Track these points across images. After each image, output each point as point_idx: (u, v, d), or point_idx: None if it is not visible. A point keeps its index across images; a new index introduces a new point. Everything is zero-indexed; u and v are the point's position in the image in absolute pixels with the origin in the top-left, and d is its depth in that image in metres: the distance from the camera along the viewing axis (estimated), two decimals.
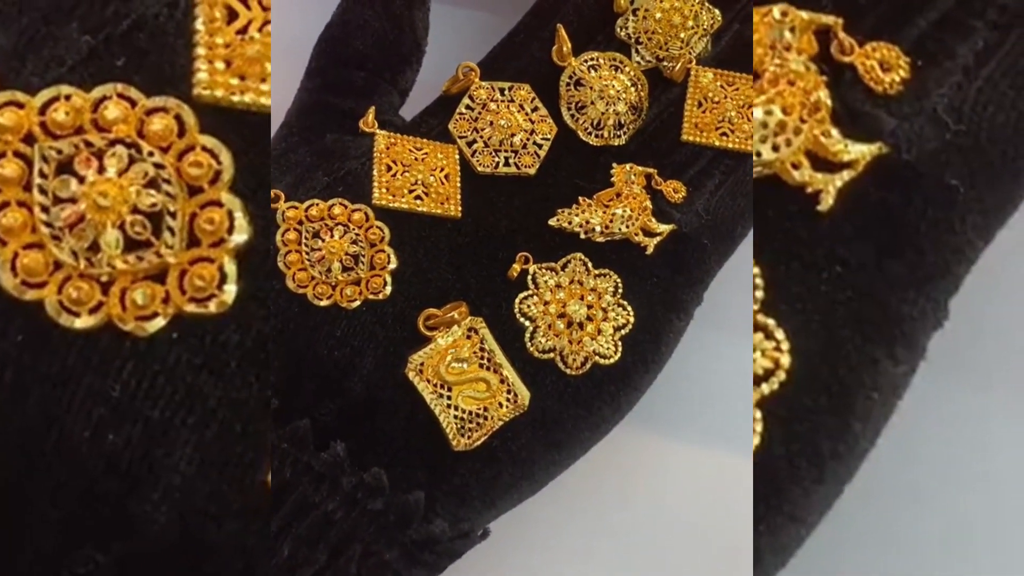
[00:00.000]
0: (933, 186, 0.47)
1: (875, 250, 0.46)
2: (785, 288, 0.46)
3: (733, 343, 0.60)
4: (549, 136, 0.54)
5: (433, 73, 0.56)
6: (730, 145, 0.54)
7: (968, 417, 0.59)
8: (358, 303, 0.49)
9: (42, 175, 0.37)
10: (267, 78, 0.39)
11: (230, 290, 0.37)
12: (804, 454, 0.45)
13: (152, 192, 0.37)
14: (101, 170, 0.37)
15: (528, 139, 0.53)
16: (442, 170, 0.52)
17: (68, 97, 0.38)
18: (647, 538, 0.60)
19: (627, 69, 0.55)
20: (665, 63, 0.55)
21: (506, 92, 0.54)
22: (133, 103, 0.38)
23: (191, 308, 0.37)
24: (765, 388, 0.44)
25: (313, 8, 0.57)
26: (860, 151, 0.46)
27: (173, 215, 0.37)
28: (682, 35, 0.55)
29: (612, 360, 0.51)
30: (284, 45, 0.54)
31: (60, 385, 0.37)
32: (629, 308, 0.51)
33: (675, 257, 0.53)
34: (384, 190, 0.50)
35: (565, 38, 0.54)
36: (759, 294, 0.45)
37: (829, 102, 0.47)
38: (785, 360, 0.44)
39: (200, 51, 0.39)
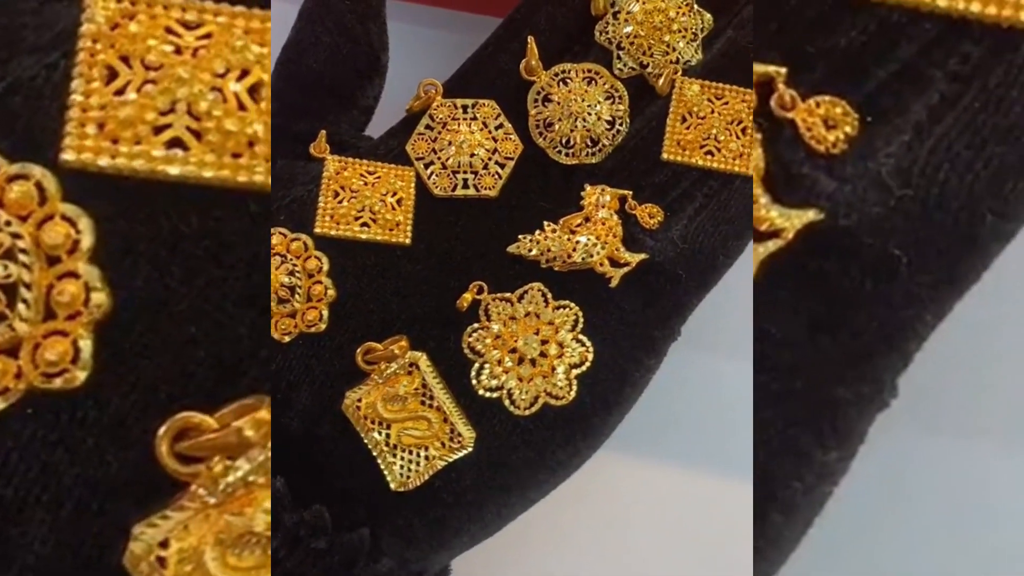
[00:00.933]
0: (874, 256, 0.43)
1: (806, 326, 0.43)
2: None
3: (731, 364, 0.58)
4: (513, 155, 0.51)
5: (408, 95, 0.54)
6: (715, 165, 0.51)
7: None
8: (292, 336, 0.48)
9: None
10: (143, 140, 0.38)
11: (84, 366, 0.37)
12: None
13: (7, 263, 0.37)
14: None
15: (489, 159, 0.51)
16: (394, 194, 0.50)
17: None
18: (644, 563, 0.60)
19: (602, 81, 0.51)
20: (650, 70, 0.51)
21: (469, 109, 0.52)
22: None
23: (42, 384, 0.37)
24: None
25: None
26: (790, 218, 0.43)
27: (28, 287, 0.37)
28: (667, 38, 0.51)
29: (565, 401, 0.48)
30: None
31: None
32: (588, 344, 0.49)
33: (646, 289, 0.49)
34: (328, 218, 0.49)
35: (533, 50, 0.51)
36: None
37: (762, 163, 0.43)
38: None
39: (72, 113, 0.38)
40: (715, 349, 0.59)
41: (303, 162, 0.51)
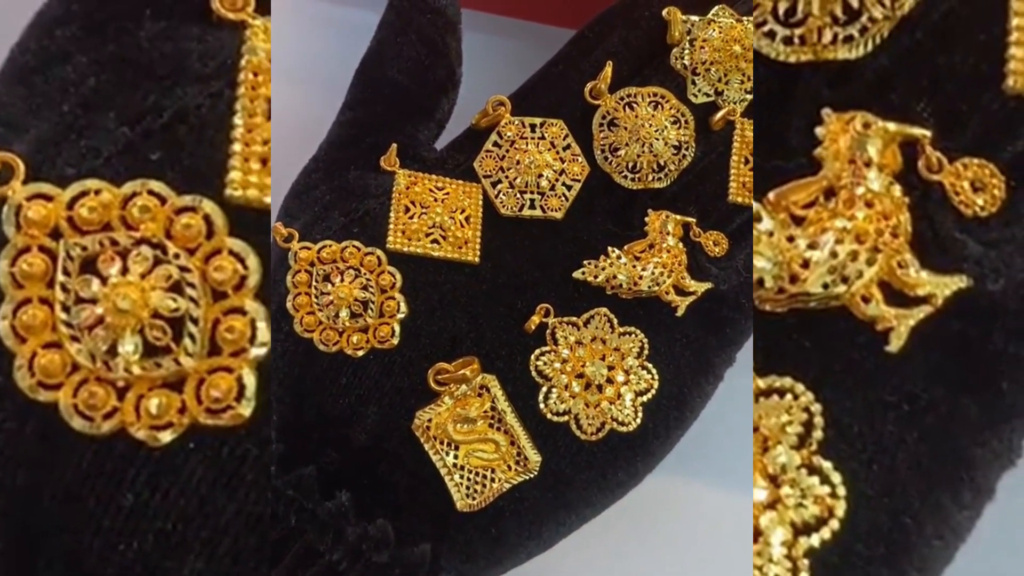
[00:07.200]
0: (1018, 320, 0.48)
1: (949, 389, 0.48)
2: (847, 428, 0.47)
3: (733, 379, 0.61)
4: (580, 177, 0.56)
5: (470, 103, 0.58)
6: None
7: None
8: (364, 351, 0.53)
9: (65, 272, 0.40)
10: None
11: (248, 403, 0.41)
12: None
13: (175, 296, 0.40)
14: (124, 271, 0.40)
15: (557, 180, 0.56)
16: (463, 211, 0.55)
17: (97, 192, 0.41)
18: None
19: (668, 105, 0.57)
20: (724, 97, 0.57)
21: (537, 128, 0.56)
22: (163, 200, 0.41)
23: (206, 419, 0.41)
24: (815, 539, 0.45)
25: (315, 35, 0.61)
26: (939, 285, 0.47)
27: (195, 321, 0.41)
28: (743, 66, 0.57)
29: (631, 427, 0.54)
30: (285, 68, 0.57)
31: (72, 490, 0.40)
32: (654, 371, 0.54)
33: (710, 317, 0.55)
34: (400, 234, 0.54)
35: (608, 75, 0.56)
36: (818, 434, 0.46)
37: (910, 228, 0.47)
38: (840, 508, 0.46)
39: (236, 148, 0.42)
40: None
41: (374, 174, 0.56)
